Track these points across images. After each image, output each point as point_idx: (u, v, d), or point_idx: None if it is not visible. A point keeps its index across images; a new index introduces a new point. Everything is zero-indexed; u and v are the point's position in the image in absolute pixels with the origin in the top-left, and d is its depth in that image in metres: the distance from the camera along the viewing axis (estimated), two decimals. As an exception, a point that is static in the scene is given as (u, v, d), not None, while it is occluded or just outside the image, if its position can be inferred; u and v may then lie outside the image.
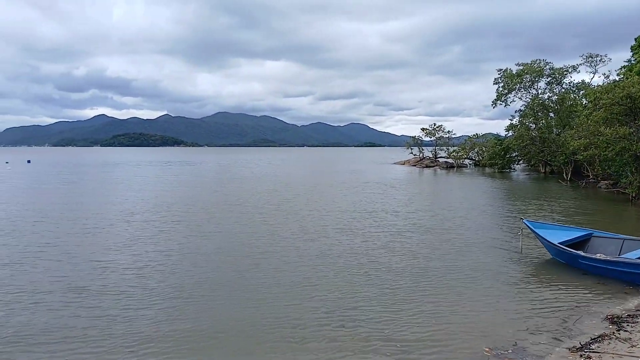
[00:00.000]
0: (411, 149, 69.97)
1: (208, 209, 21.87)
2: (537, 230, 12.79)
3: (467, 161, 65.17)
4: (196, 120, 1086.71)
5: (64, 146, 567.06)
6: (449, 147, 67.14)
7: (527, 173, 49.90)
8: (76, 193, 29.06)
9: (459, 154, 63.57)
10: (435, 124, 69.62)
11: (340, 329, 7.77)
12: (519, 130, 48.00)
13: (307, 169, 59.98)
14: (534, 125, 48.88)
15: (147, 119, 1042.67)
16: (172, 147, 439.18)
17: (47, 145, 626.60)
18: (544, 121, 48.09)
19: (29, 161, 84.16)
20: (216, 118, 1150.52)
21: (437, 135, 68.88)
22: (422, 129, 69.98)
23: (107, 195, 28.19)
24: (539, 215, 19.96)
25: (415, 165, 66.12)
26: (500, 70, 51.03)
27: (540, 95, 49.47)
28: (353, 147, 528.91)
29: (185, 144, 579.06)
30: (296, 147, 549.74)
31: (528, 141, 45.76)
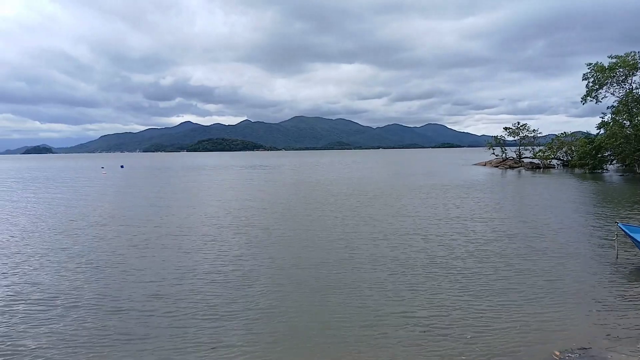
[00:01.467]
0: (493, 149, 67.85)
1: (286, 213, 22.67)
2: (633, 235, 12.30)
3: (554, 161, 62.01)
4: (274, 125, 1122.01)
5: (153, 151, 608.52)
6: (535, 147, 64.37)
7: (620, 174, 46.57)
8: (163, 197, 31.19)
9: (546, 154, 60.68)
10: (519, 123, 67.20)
11: (428, 335, 8.15)
12: (611, 128, 45.16)
13: (383, 172, 59.84)
14: (628, 123, 45.67)
15: (228, 125, 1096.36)
16: (252, 151, 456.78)
17: (138, 151, 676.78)
18: (639, 118, 44.76)
19: (122, 166, 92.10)
20: (293, 122, 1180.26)
21: (521, 135, 66.36)
22: (505, 128, 67.94)
23: (191, 199, 29.94)
24: (637, 219, 18.92)
25: (497, 167, 64.01)
26: (590, 64, 48.10)
27: (635, 90, 46.08)
28: (430, 149, 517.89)
29: (264, 148, 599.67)
30: (371, 149, 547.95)
31: (622, 139, 42.97)
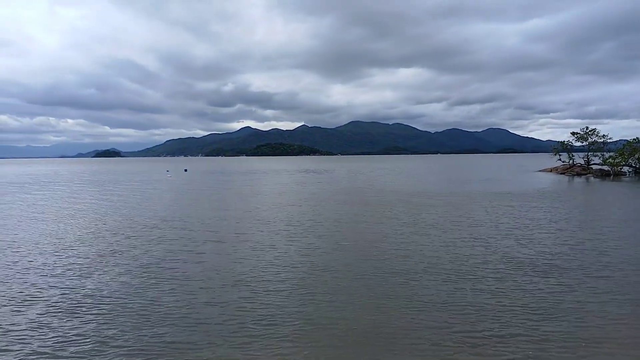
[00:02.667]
0: (559, 155, 65.26)
1: (341, 219, 22.43)
2: None
3: (625, 168, 58.89)
4: (330, 130, 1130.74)
5: (214, 156, 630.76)
6: (604, 153, 61.40)
7: None
8: (221, 201, 31.79)
9: (616, 160, 57.70)
10: (587, 128, 64.12)
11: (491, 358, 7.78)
12: (692, 133, 42.37)
13: (442, 178, 58.15)
14: None
15: (286, 130, 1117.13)
16: (309, 156, 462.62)
17: (201, 155, 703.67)
18: None
19: (185, 170, 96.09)
20: (349, 127, 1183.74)
21: (589, 140, 63.28)
22: (572, 133, 64.94)
23: (247, 203, 30.14)
24: None
25: (563, 173, 61.39)
26: (668, 66, 45.48)
27: None
28: (491, 154, 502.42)
29: (321, 153, 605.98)
30: (429, 154, 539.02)
31: None
